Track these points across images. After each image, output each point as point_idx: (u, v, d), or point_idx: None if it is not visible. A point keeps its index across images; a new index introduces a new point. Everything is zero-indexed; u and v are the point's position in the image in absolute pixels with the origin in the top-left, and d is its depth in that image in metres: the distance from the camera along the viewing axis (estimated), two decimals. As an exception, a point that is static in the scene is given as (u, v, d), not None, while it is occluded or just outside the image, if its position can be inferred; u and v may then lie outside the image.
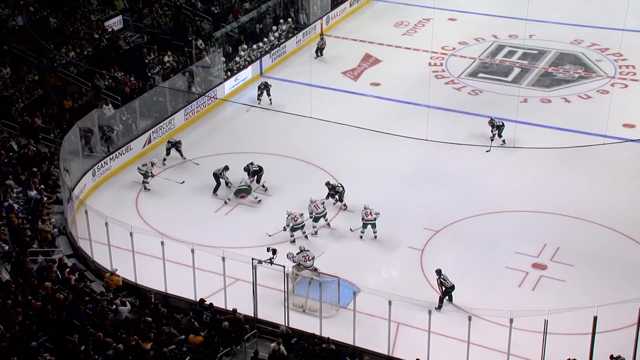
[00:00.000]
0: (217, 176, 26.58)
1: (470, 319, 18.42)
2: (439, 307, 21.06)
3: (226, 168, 26.63)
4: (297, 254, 22.05)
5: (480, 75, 34.74)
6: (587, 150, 27.30)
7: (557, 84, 33.71)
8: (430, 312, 18.66)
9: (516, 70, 34.93)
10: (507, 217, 25.20)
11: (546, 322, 17.72)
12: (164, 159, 28.34)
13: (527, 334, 19.11)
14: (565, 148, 27.25)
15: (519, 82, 33.72)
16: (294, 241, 23.77)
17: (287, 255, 21.84)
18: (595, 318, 17.74)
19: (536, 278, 22.53)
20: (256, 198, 26.17)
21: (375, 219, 24.00)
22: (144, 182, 26.86)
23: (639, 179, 27.20)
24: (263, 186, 26.64)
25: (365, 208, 24.24)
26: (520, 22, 36.25)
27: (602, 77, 34.04)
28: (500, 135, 28.85)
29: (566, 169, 27.56)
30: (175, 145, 28.52)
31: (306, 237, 24.15)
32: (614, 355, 18.12)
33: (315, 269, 21.54)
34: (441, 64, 35.62)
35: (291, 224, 23.94)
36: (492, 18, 40.05)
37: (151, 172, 26.78)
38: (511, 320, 17.98)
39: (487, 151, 28.36)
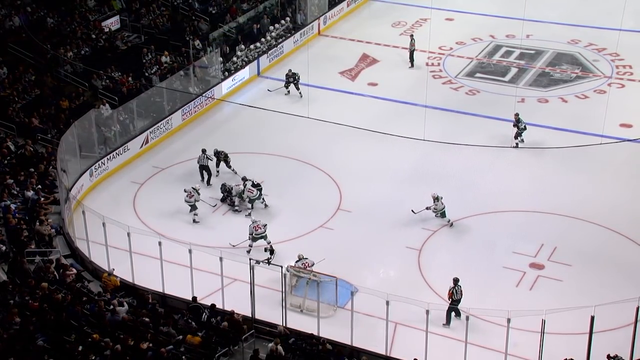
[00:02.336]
0: (203, 167, 26.63)
1: (467, 318, 18.46)
2: (448, 323, 20.36)
3: (203, 151, 26.89)
4: (296, 262, 21.79)
5: (478, 75, 34.74)
6: (584, 150, 27.34)
7: (554, 84, 33.72)
8: (427, 312, 18.62)
9: (513, 70, 34.93)
10: (505, 217, 25.21)
11: (544, 321, 17.75)
12: (217, 171, 27.47)
13: (525, 334, 19.10)
14: (562, 148, 27.28)
15: (516, 82, 33.74)
16: (249, 251, 22.85)
17: (287, 267, 21.23)
18: (592, 318, 17.78)
19: (534, 278, 22.54)
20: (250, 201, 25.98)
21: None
22: (193, 213, 25.07)
23: (636, 179, 27.22)
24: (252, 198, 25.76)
25: (439, 197, 24.35)
26: (517, 22, 36.22)
27: (599, 77, 34.05)
28: (519, 135, 28.48)
29: (563, 168, 27.58)
30: (224, 157, 27.48)
31: (271, 249, 23.29)
32: (612, 355, 18.13)
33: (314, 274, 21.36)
34: (439, 64, 35.61)
35: (253, 233, 23.21)
36: (489, 18, 40.07)
37: (197, 200, 25.00)
38: (509, 320, 17.98)
39: (513, 146, 28.48)
